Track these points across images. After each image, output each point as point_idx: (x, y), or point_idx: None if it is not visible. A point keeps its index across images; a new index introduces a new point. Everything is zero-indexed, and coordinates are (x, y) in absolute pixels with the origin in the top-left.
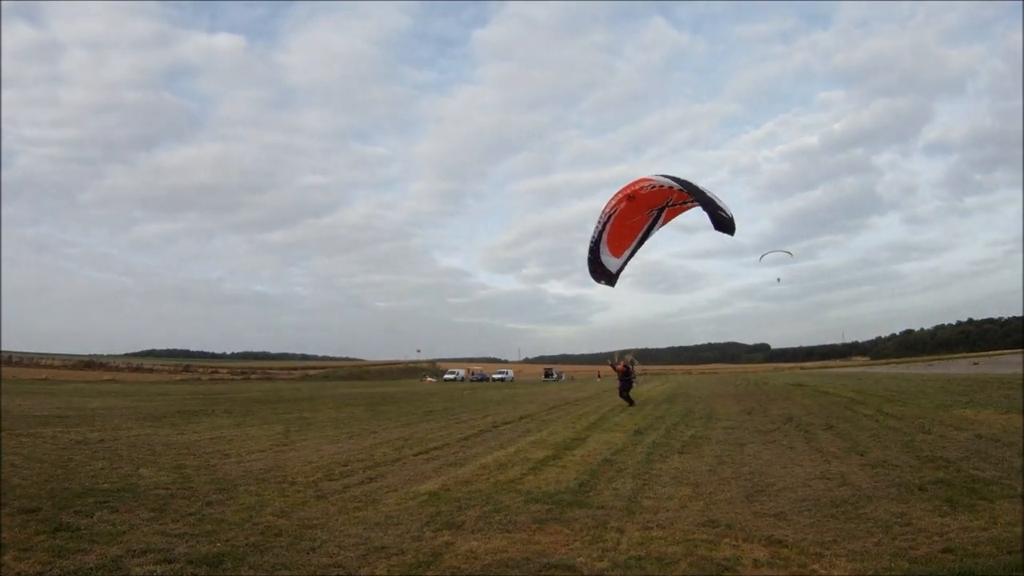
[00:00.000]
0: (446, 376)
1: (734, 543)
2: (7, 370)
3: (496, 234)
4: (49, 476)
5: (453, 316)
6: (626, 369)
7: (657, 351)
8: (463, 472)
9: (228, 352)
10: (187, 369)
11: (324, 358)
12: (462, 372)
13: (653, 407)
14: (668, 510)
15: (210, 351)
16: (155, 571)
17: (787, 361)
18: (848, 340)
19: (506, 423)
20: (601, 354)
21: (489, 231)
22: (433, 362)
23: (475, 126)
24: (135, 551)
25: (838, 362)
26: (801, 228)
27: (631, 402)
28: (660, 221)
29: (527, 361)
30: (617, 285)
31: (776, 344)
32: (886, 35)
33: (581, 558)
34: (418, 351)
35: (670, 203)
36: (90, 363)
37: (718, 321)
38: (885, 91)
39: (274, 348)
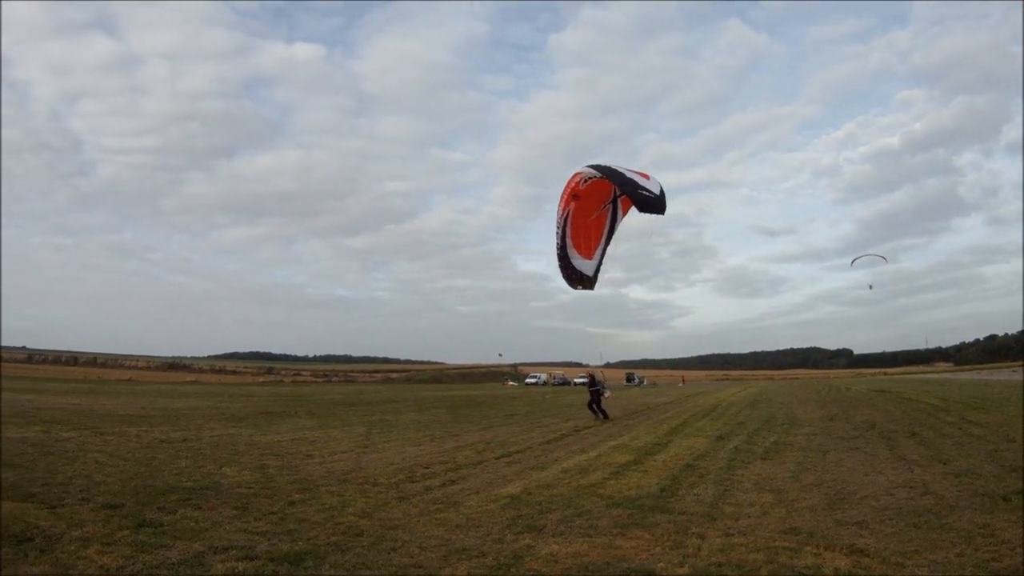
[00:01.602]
0: (528, 380)
1: (815, 551)
2: (93, 371)
3: None
4: (133, 473)
5: (534, 320)
6: (592, 379)
7: (739, 356)
8: (545, 476)
9: (310, 355)
10: (270, 372)
11: (406, 361)
12: (544, 376)
13: (735, 412)
14: (749, 517)
15: (292, 354)
16: (236, 568)
17: (869, 366)
18: (931, 345)
19: (588, 427)
20: (683, 359)
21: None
22: (515, 366)
23: (554, 131)
24: (217, 547)
25: (921, 368)
26: (883, 231)
27: (605, 416)
28: (620, 213)
29: (609, 365)
30: (699, 288)
31: (859, 349)
32: (962, 33)
33: (661, 564)
34: (500, 355)
35: (619, 193)
36: (173, 365)
37: (800, 326)
38: (964, 89)
39: (356, 352)
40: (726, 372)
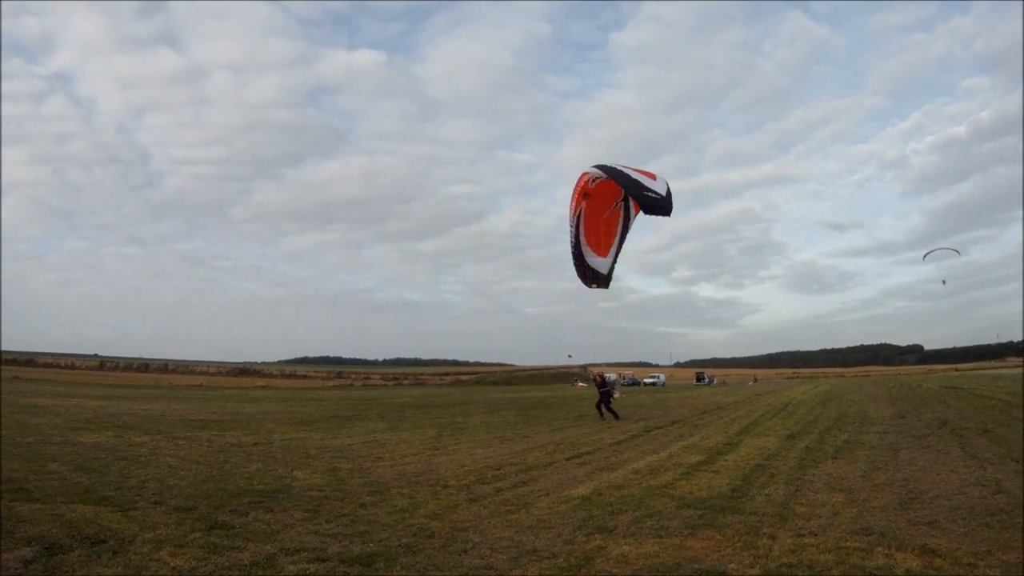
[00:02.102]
0: None
1: (887, 552)
2: (164, 377)
3: (644, 238)
4: (205, 477)
5: (603, 320)
6: (603, 381)
7: (809, 353)
8: (615, 477)
9: (380, 359)
10: (340, 375)
11: (475, 363)
12: (613, 376)
13: (806, 411)
14: (821, 517)
15: (362, 358)
16: (308, 569)
17: (940, 362)
18: (1002, 340)
19: (658, 428)
20: (753, 357)
21: (637, 235)
22: (584, 367)
23: (619, 130)
24: (288, 549)
25: (992, 363)
26: (952, 222)
27: (615, 415)
28: (633, 211)
29: (678, 365)
30: (768, 285)
31: (930, 345)
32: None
33: (732, 564)
34: (569, 356)
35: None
36: (244, 370)
37: (870, 322)
38: None
39: (425, 354)
40: (796, 370)
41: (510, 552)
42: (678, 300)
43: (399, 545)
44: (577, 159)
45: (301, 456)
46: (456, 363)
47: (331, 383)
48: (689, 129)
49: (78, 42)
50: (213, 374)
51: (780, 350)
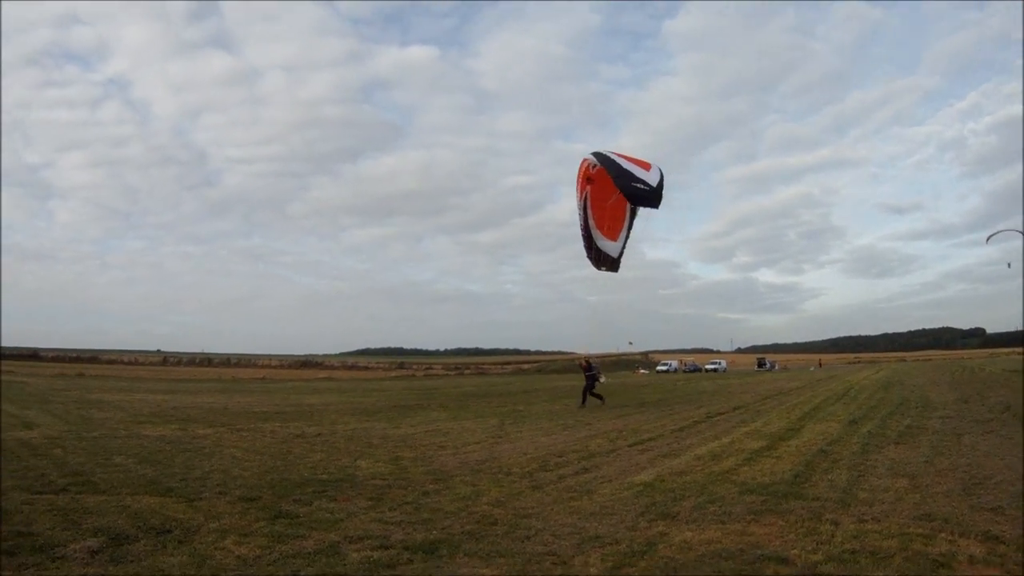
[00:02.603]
0: (659, 368)
1: (950, 538)
2: (227, 371)
3: (704, 224)
4: (269, 467)
5: (664, 308)
6: (588, 366)
7: (870, 338)
8: (678, 463)
9: (441, 349)
10: (401, 366)
11: (536, 352)
12: (675, 363)
13: (868, 396)
14: (883, 503)
15: (424, 348)
16: (371, 556)
17: (1003, 346)
18: None
19: (720, 414)
20: (814, 342)
21: (697, 222)
22: (646, 354)
23: (675, 118)
24: (352, 537)
25: None
26: (1012, 203)
27: (600, 398)
28: None
29: (739, 351)
30: (828, 269)
31: (992, 328)
32: None
33: (795, 550)
34: (630, 343)
35: None
36: (306, 362)
37: (931, 305)
38: None
39: (486, 344)
40: (857, 355)
41: (573, 539)
42: (739, 286)
43: (462, 532)
44: (634, 148)
45: (364, 445)
46: (517, 352)
47: (393, 373)
48: (745, 114)
49: (131, 48)
50: (275, 367)
51: (841, 335)
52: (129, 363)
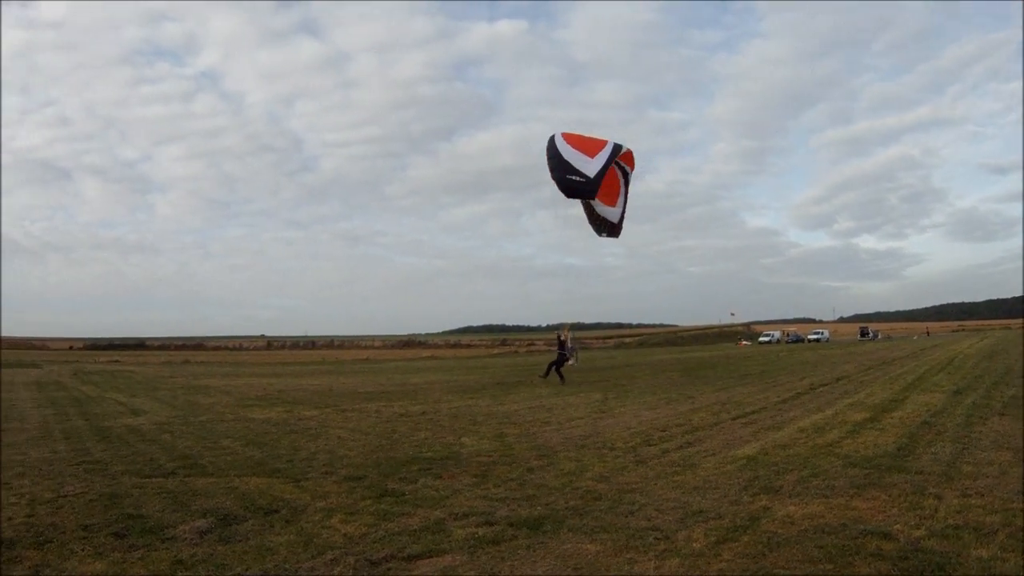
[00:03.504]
0: (761, 339)
1: None
2: (330, 353)
3: (803, 190)
4: (374, 447)
5: (765, 277)
6: (562, 344)
7: (974, 305)
8: (780, 436)
9: (543, 324)
10: (503, 343)
11: (638, 326)
12: (777, 334)
13: (972, 366)
14: (988, 476)
15: (525, 324)
16: (476, 533)
17: None
18: None
19: (823, 385)
20: (918, 310)
21: (796, 187)
22: (748, 325)
23: (768, 81)
24: (457, 514)
25: None
26: None
27: (561, 378)
28: (628, 166)
29: (842, 320)
30: (930, 234)
31: None
32: None
33: (898, 525)
34: (732, 314)
35: (619, 149)
36: (409, 342)
37: None
38: None
39: (588, 319)
40: (961, 323)
41: (676, 513)
42: (840, 253)
43: (566, 508)
44: (729, 114)
45: (468, 423)
46: (619, 326)
47: (495, 351)
48: (839, 75)
49: (220, 41)
50: (379, 348)
51: (944, 301)
52: (234, 348)
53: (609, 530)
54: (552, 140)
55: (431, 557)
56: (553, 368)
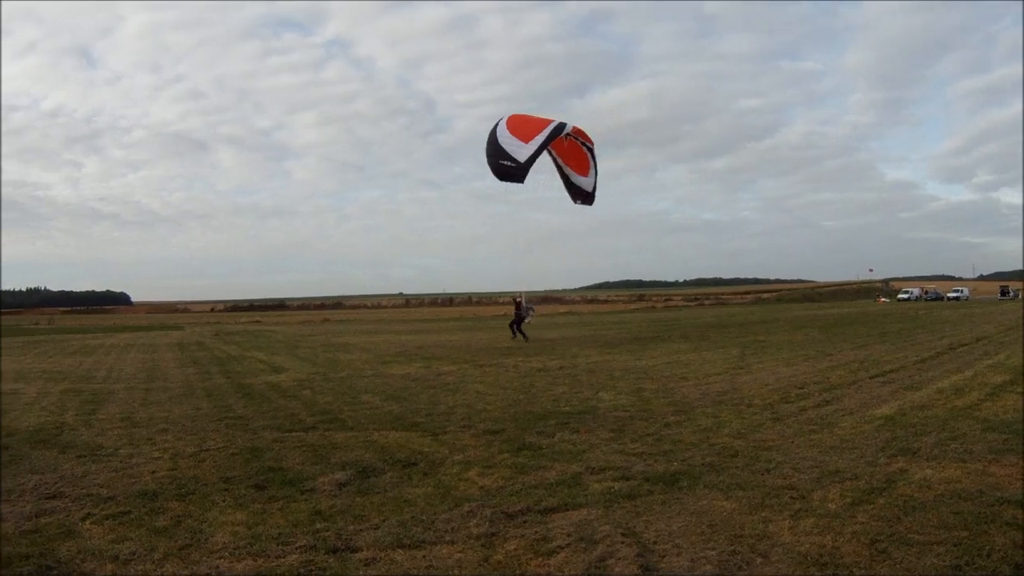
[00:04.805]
0: (900, 296)
1: None
2: (467, 309)
3: (941, 141)
4: (512, 401)
5: (904, 232)
6: (519, 305)
7: None
8: (919, 396)
9: (680, 280)
10: (640, 298)
11: (776, 281)
12: (916, 291)
13: None
14: None
15: (662, 280)
16: (612, 487)
17: None
18: None
19: (963, 345)
20: None
21: (933, 138)
22: (886, 281)
23: (900, 27)
24: (594, 468)
25: None
26: None
27: (524, 336)
28: (583, 138)
29: (981, 278)
30: None
31: None
32: None
33: None
34: (870, 270)
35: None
36: (546, 298)
37: None
38: None
39: (726, 273)
40: None
41: (812, 472)
42: (980, 207)
43: (703, 464)
44: (863, 63)
45: (605, 378)
46: (756, 281)
47: (632, 306)
48: (975, 19)
49: (346, 9)
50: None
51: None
52: (373, 307)
53: (745, 487)
54: (495, 125)
55: (567, 511)
56: (515, 327)
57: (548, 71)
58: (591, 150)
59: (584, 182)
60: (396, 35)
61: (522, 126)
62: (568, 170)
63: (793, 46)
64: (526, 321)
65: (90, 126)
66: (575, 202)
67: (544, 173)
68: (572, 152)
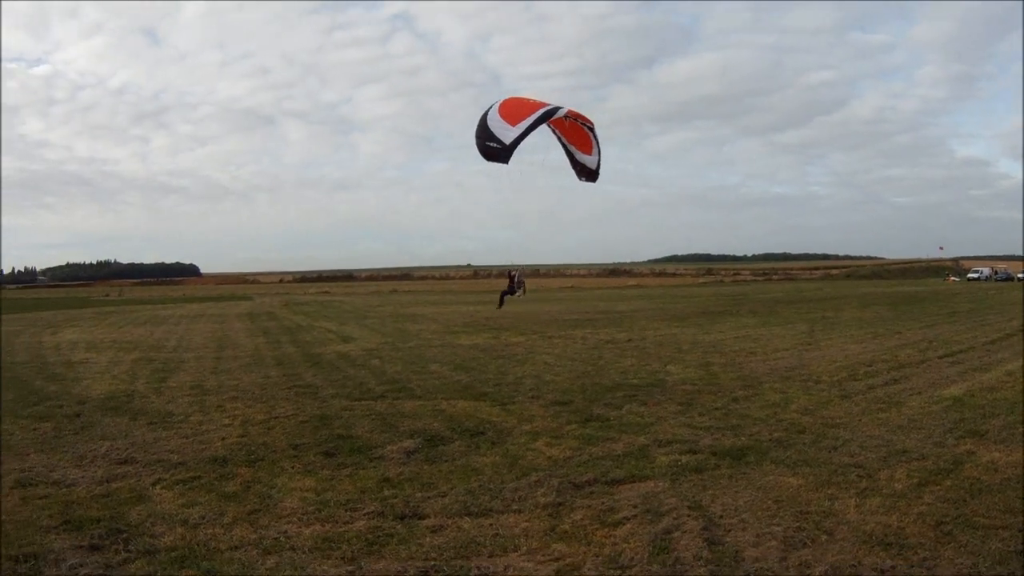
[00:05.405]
0: (970, 275)
1: None
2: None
3: (1013, 117)
4: (580, 372)
5: (975, 210)
6: (512, 277)
7: None
8: (988, 378)
9: (749, 254)
10: (709, 272)
11: (845, 257)
12: (987, 271)
13: None
14: None
15: (731, 254)
16: (679, 460)
17: None
18: None
19: None
20: None
21: (1005, 115)
22: (956, 260)
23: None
24: (661, 441)
25: None
26: None
27: (500, 304)
28: (580, 117)
29: None
30: None
31: None
32: None
33: None
34: (940, 248)
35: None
36: (614, 271)
37: None
38: None
39: (795, 249)
40: None
41: (879, 451)
42: None
43: (770, 439)
44: (935, 36)
45: (674, 351)
46: (826, 257)
47: (701, 280)
48: None
49: None
50: (583, 276)
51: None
52: (441, 278)
53: (811, 464)
54: (488, 108)
55: (634, 482)
56: (503, 296)
57: (617, 44)
58: (592, 129)
59: (588, 160)
60: (463, 8)
61: (513, 110)
62: (572, 148)
63: (864, 17)
64: (516, 295)
65: (157, 102)
66: (580, 179)
67: (553, 151)
68: (574, 132)
